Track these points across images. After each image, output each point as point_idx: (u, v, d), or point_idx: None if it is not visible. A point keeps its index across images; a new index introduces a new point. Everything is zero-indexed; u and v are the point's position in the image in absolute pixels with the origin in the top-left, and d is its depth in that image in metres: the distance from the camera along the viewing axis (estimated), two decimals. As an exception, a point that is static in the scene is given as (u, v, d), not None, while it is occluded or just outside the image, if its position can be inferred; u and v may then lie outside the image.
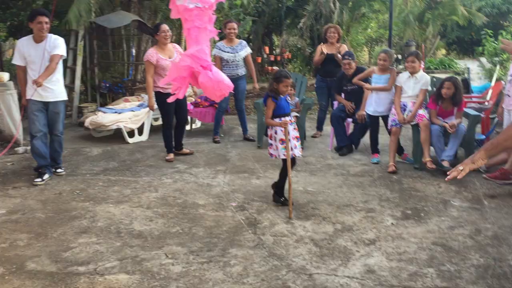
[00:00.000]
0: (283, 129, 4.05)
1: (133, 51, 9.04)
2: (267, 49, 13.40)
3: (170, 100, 4.26)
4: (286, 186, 4.16)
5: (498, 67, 8.55)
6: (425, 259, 3.22)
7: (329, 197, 4.49)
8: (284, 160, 4.14)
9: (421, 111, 5.24)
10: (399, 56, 15.46)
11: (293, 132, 4.17)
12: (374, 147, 5.74)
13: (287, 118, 4.11)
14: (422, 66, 5.68)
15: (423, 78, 5.35)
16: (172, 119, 5.82)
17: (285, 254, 3.34)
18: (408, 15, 17.05)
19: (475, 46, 16.17)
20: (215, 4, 3.53)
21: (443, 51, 23.66)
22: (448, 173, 2.28)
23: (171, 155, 5.77)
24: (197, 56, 2.80)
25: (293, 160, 4.25)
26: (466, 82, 10.31)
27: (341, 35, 7.01)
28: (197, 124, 7.79)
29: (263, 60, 13.64)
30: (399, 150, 5.65)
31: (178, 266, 3.17)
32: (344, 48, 6.80)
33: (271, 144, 4.19)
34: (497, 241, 3.46)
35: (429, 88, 5.48)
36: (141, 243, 3.52)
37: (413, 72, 5.33)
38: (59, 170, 5.22)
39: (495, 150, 2.25)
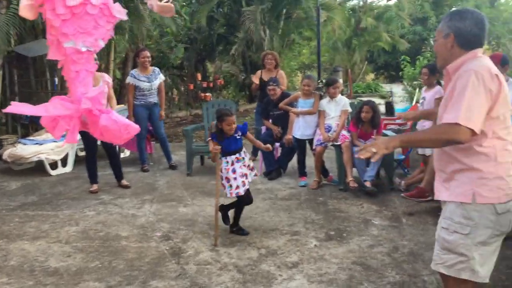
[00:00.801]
0: (227, 167, 4.01)
1: (56, 79, 8.76)
2: (199, 76, 13.44)
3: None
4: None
5: (417, 90, 9.05)
6: (345, 279, 3.27)
7: (256, 222, 4.50)
8: (238, 196, 4.07)
9: (345, 132, 5.46)
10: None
11: (241, 169, 4.03)
12: (302, 171, 5.85)
13: (233, 156, 4.03)
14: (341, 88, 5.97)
15: (342, 100, 5.64)
16: (96, 148, 5.64)
17: (207, 282, 3.28)
18: (337, 42, 17.82)
19: (400, 71, 17.14)
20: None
21: (372, 76, 24.84)
22: (358, 151, 2.30)
23: (95, 186, 5.58)
24: (98, 100, 2.69)
25: (245, 197, 4.10)
26: (390, 105, 10.86)
27: (278, 61, 7.15)
28: (126, 153, 7.62)
29: (196, 87, 13.66)
30: (325, 172, 5.81)
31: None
32: (281, 74, 6.95)
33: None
34: (413, 258, 3.59)
35: (349, 109, 5.73)
36: (55, 281, 3.34)
37: (333, 97, 5.58)
38: None
39: (409, 145, 2.33)
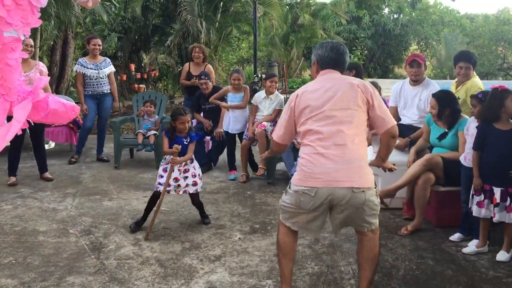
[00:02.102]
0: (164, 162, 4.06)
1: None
2: (132, 66, 13.09)
3: None
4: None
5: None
6: (265, 271, 3.33)
7: (182, 215, 4.47)
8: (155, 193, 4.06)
9: (265, 123, 5.55)
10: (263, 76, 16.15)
11: (173, 173, 4.04)
12: (232, 164, 5.88)
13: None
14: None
15: (277, 99, 5.68)
16: (23, 139, 5.36)
17: (127, 277, 3.23)
18: (274, 37, 17.99)
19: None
20: None
21: (309, 72, 25.32)
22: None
23: (13, 179, 5.31)
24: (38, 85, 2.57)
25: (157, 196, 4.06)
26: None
27: (207, 55, 7.11)
28: (51, 144, 7.30)
29: (130, 78, 13.31)
30: (254, 166, 5.86)
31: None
32: (209, 68, 6.92)
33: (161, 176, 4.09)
34: (332, 249, 3.72)
35: (283, 107, 5.79)
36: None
37: (270, 93, 5.63)
38: None
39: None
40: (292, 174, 5.20)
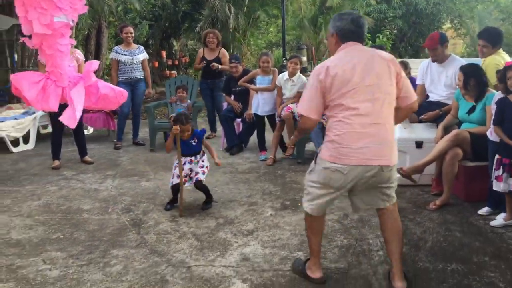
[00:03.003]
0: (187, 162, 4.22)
1: (15, 56, 8.61)
2: (164, 53, 13.35)
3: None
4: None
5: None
6: (296, 244, 3.49)
7: (215, 194, 4.65)
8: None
9: (291, 105, 5.65)
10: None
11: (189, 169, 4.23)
12: (262, 145, 6.04)
13: (188, 158, 4.22)
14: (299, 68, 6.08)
15: (300, 81, 5.75)
16: (63, 126, 5.65)
17: (166, 250, 3.44)
18: (303, 20, 17.89)
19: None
20: None
21: (339, 54, 25.09)
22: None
23: (57, 162, 5.62)
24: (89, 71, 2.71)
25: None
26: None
27: (220, 40, 7.23)
28: (89, 130, 7.62)
29: (161, 65, 13.59)
30: (284, 147, 6.00)
31: (56, 271, 3.14)
32: (223, 52, 7.06)
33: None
34: (361, 223, 3.84)
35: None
36: (18, 252, 3.44)
37: (292, 75, 5.71)
38: None
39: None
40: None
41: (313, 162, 2.83)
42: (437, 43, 4.69)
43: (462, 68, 4.15)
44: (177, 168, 4.17)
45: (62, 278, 3.04)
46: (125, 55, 6.55)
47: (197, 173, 4.24)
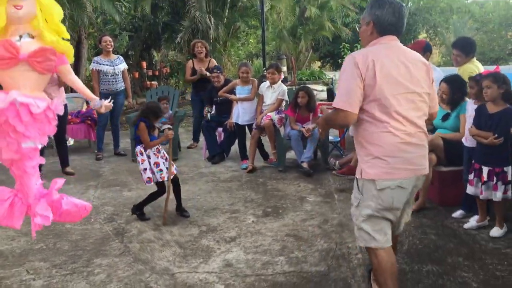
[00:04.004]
0: (156, 152, 4.18)
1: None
2: (144, 64, 13.39)
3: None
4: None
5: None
6: (278, 249, 3.57)
7: (198, 202, 4.72)
8: (160, 183, 4.20)
9: (271, 113, 5.78)
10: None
11: (156, 159, 4.23)
12: (243, 154, 6.12)
13: (154, 148, 4.21)
14: (282, 76, 6.22)
15: (280, 88, 5.91)
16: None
17: (150, 258, 3.49)
18: (282, 31, 18.13)
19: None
20: None
21: (319, 63, 25.42)
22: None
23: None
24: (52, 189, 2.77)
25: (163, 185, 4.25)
26: (331, 91, 11.29)
27: (209, 50, 7.29)
28: (70, 141, 7.59)
29: (142, 75, 13.61)
30: (265, 155, 6.10)
31: (40, 281, 3.16)
32: (213, 62, 7.12)
33: (145, 169, 4.16)
34: (341, 228, 3.94)
35: (286, 97, 5.99)
36: (0, 262, 3.44)
37: (272, 83, 5.84)
38: None
39: (326, 123, 2.61)
40: (302, 162, 5.48)
41: (354, 193, 2.50)
42: (421, 50, 4.85)
43: (448, 81, 4.24)
44: (148, 168, 4.16)
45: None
46: (106, 65, 6.55)
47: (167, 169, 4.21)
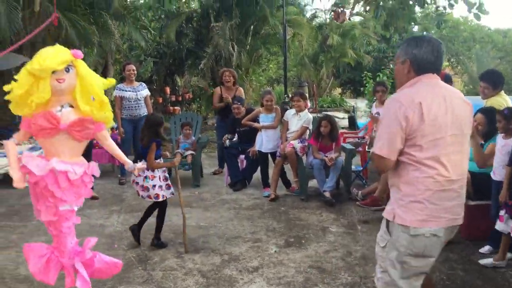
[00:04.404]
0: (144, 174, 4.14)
1: (24, 92, 8.77)
2: (167, 89, 13.61)
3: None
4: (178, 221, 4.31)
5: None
6: (301, 281, 3.53)
7: (220, 230, 4.71)
8: (162, 202, 4.27)
9: (293, 142, 5.79)
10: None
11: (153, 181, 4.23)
12: (265, 182, 6.12)
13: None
14: (308, 104, 6.27)
15: (305, 117, 5.94)
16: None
17: (173, 287, 3.48)
18: (304, 57, 18.29)
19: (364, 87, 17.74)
20: None
21: (339, 90, 25.48)
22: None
23: None
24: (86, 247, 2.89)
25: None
26: (353, 119, 11.28)
27: (236, 78, 7.38)
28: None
29: (165, 100, 13.82)
30: (287, 183, 6.09)
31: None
32: (241, 91, 7.19)
33: (154, 186, 4.14)
34: (364, 261, 3.88)
35: (311, 126, 6.01)
36: (26, 287, 3.48)
37: (299, 110, 5.89)
38: None
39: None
40: (325, 191, 5.46)
41: (382, 233, 2.40)
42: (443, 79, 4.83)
43: (484, 112, 4.12)
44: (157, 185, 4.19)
45: None
46: (129, 91, 6.67)
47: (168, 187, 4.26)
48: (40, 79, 2.36)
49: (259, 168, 6.31)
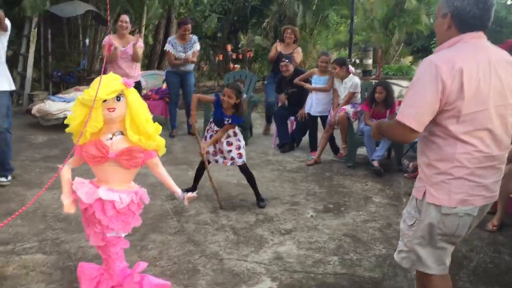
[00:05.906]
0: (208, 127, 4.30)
1: (87, 41, 9.05)
2: (229, 47, 13.52)
3: None
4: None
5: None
6: (332, 248, 3.42)
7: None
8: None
9: (346, 106, 5.56)
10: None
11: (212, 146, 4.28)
12: (313, 145, 5.97)
13: (215, 128, 4.28)
14: (352, 70, 5.95)
15: (349, 82, 5.70)
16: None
17: (202, 240, 3.50)
18: (374, 21, 17.49)
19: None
20: None
21: (410, 58, 24.31)
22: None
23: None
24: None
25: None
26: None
27: (298, 37, 7.17)
28: (149, 117, 7.87)
29: (226, 58, 13.77)
30: (335, 149, 5.91)
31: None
32: (298, 51, 6.98)
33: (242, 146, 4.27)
34: (403, 235, 3.69)
35: (358, 89, 5.73)
36: (64, 227, 3.63)
37: (341, 78, 5.65)
38: (2, 180, 4.53)
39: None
40: (373, 160, 5.23)
41: (409, 209, 2.19)
42: (509, 49, 4.39)
43: None
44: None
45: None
46: (179, 51, 6.67)
47: (232, 158, 4.22)
48: (93, 108, 2.40)
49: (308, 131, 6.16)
